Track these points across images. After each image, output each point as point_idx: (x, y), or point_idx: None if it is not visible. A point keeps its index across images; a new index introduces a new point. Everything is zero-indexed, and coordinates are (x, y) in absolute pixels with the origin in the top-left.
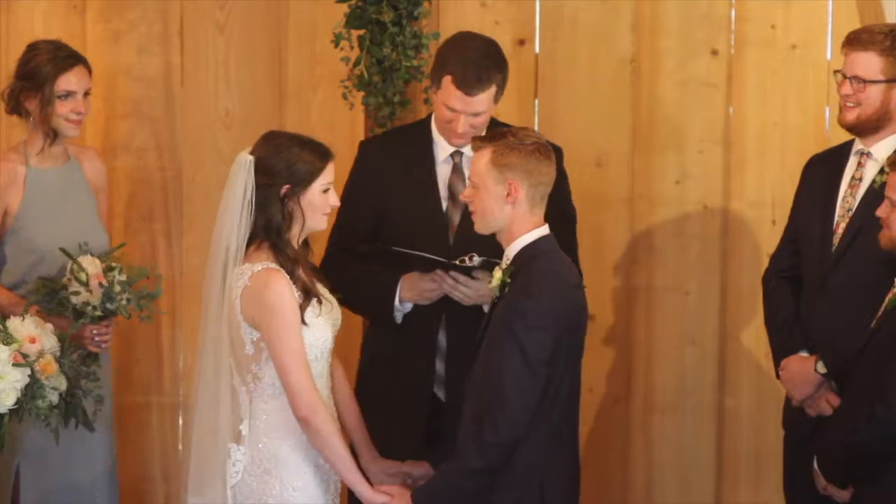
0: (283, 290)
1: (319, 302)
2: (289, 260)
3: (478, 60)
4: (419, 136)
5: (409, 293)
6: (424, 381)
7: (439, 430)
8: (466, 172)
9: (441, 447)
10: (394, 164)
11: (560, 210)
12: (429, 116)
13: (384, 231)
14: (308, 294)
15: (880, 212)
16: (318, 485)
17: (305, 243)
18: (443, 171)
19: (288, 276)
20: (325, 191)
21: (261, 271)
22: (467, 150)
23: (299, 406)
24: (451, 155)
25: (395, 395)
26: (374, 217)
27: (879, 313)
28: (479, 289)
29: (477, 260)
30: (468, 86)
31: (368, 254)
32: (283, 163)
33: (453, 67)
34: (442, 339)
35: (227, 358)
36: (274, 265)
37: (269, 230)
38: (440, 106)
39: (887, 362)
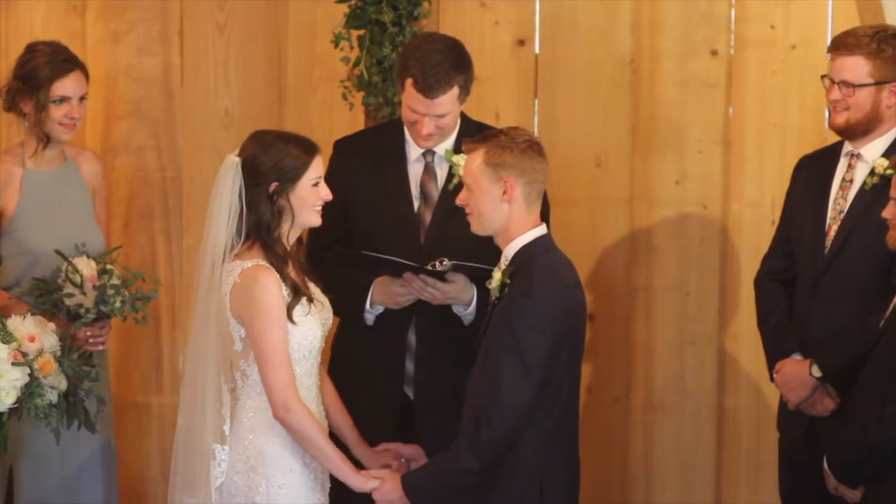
0: (270, 287)
1: (310, 301)
2: (278, 258)
3: (437, 63)
4: (391, 135)
5: (381, 297)
6: (394, 380)
7: (409, 428)
8: (439, 172)
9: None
10: (366, 163)
11: None
12: (402, 117)
13: (357, 230)
14: (297, 292)
15: (886, 213)
16: (305, 483)
17: (299, 241)
18: (415, 171)
19: (277, 274)
20: (315, 185)
21: (250, 268)
22: (439, 150)
23: (273, 405)
24: (423, 154)
25: (364, 393)
26: (347, 216)
27: (887, 313)
28: (447, 291)
29: (447, 264)
30: (428, 88)
31: (341, 256)
32: (270, 160)
33: (413, 70)
34: (412, 338)
35: (213, 357)
36: (263, 262)
37: (259, 228)
38: (405, 108)
39: None
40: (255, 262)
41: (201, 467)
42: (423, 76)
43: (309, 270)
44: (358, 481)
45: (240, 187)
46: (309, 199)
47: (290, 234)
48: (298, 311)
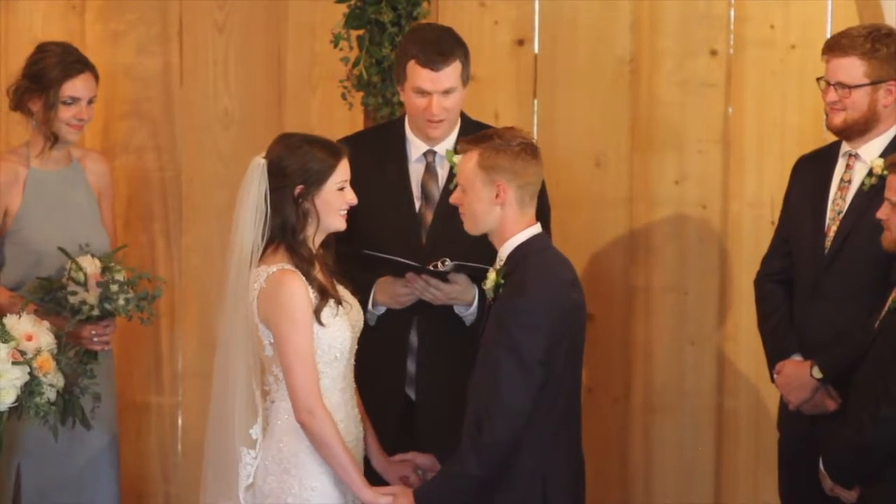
0: (296, 291)
1: (338, 303)
2: (304, 261)
3: (437, 38)
4: (392, 135)
5: (383, 297)
6: (395, 380)
7: (411, 429)
8: (440, 171)
9: (419, 447)
10: (367, 163)
11: (536, 206)
12: (403, 116)
13: (358, 230)
14: (324, 294)
15: (881, 213)
16: (338, 485)
17: (326, 244)
18: (416, 171)
19: (303, 277)
20: (341, 189)
21: (276, 273)
22: (440, 149)
23: (297, 409)
24: (424, 154)
25: (366, 394)
26: (349, 216)
27: (882, 313)
28: (449, 292)
29: (449, 265)
30: (432, 62)
31: (344, 256)
32: (295, 163)
33: (414, 52)
34: (413, 339)
35: (242, 361)
36: (289, 266)
37: (284, 231)
38: (411, 97)
39: (892, 362)
40: (280, 266)
41: (232, 470)
42: (424, 52)
43: (337, 272)
44: (370, 496)
45: (266, 190)
46: (335, 203)
47: (315, 237)
48: (326, 313)
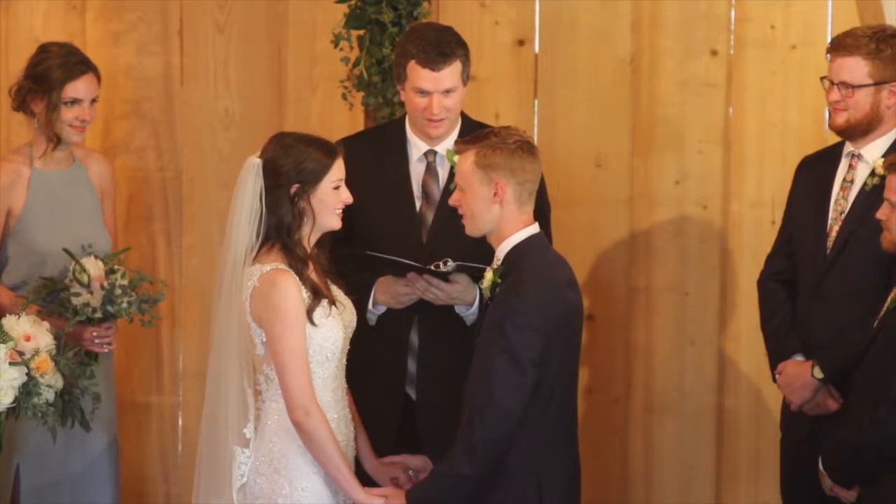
0: (289, 291)
1: (332, 303)
2: (298, 260)
3: (437, 38)
4: (393, 135)
5: (384, 297)
6: (396, 379)
7: (411, 428)
8: (440, 172)
9: (419, 446)
10: (367, 163)
11: (536, 205)
12: (403, 116)
13: (358, 230)
14: (317, 294)
15: (880, 214)
16: (329, 485)
17: (320, 243)
18: (416, 171)
19: (297, 277)
20: (336, 188)
21: (269, 272)
22: (441, 149)
23: (292, 408)
24: (425, 154)
25: (366, 393)
26: (349, 216)
27: (881, 313)
28: (451, 292)
29: (451, 265)
30: (432, 62)
31: (345, 256)
32: (291, 162)
33: (415, 51)
34: (414, 338)
35: (235, 360)
36: (283, 266)
37: (279, 230)
38: (411, 96)
39: (891, 362)
40: (274, 265)
41: (224, 470)
42: (425, 52)
43: (331, 272)
44: (363, 497)
45: (261, 189)
46: (330, 203)
47: (310, 236)
48: (319, 314)
